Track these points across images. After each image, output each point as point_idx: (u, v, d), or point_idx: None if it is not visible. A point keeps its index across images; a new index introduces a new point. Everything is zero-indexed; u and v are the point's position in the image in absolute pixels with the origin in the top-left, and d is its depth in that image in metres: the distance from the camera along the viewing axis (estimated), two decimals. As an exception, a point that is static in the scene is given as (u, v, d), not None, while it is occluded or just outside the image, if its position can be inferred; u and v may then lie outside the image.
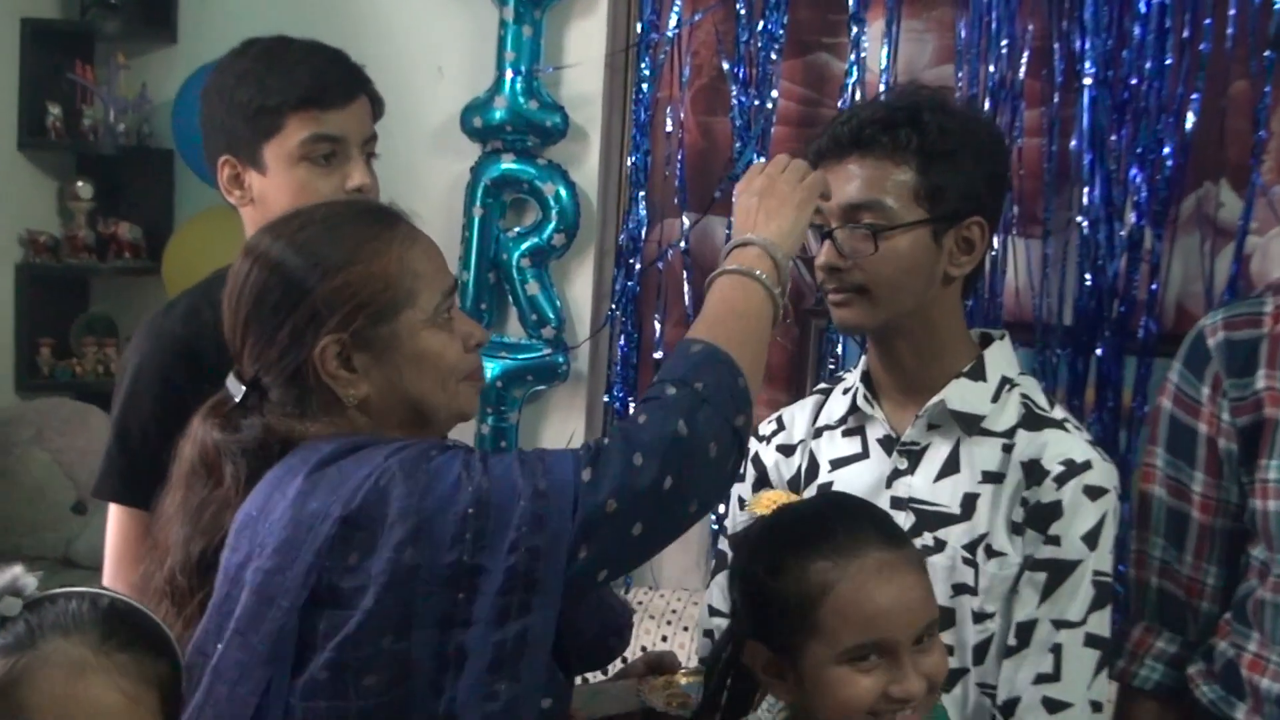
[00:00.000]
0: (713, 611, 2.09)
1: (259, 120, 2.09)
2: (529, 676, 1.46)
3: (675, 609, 3.14)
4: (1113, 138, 2.97)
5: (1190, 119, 2.92)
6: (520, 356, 3.48)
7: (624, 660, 2.03)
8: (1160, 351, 2.98)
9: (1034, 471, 1.88)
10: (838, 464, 2.00)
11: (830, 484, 1.99)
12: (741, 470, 2.10)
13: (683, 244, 3.41)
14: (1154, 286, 2.98)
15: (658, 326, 3.45)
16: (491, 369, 3.38)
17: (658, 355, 3.45)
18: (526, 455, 1.51)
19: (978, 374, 1.93)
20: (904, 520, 1.92)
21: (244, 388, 1.65)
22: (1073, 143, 3.01)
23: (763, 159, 3.23)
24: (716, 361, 1.56)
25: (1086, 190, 2.99)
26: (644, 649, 2.98)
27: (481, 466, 1.48)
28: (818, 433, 2.05)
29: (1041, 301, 3.07)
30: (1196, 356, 1.97)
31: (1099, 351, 3.01)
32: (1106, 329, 3.00)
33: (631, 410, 3.37)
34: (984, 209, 1.92)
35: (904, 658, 1.59)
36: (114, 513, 2.15)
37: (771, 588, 1.65)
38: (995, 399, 1.93)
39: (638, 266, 3.45)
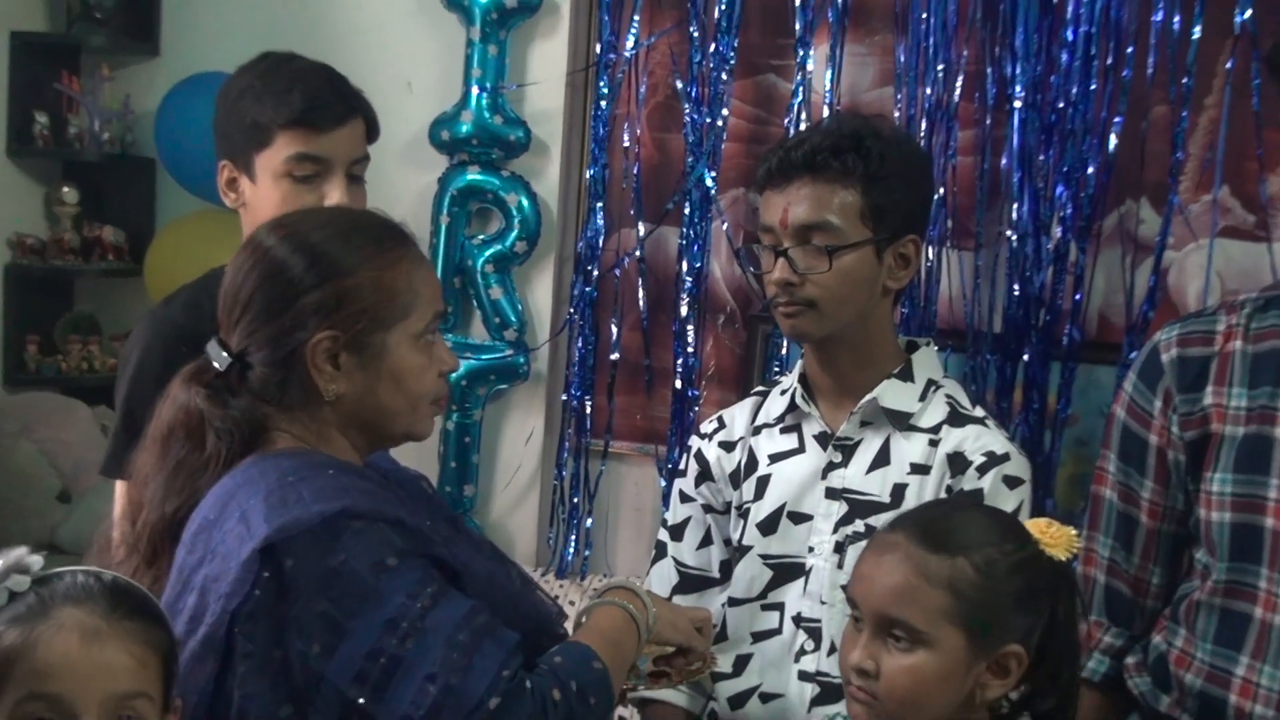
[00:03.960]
0: None
1: (253, 132, 2.11)
2: None
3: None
4: (1040, 157, 2.99)
5: (1113, 141, 2.94)
6: (484, 357, 3.49)
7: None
8: (1083, 358, 3.01)
9: (958, 462, 1.94)
10: (776, 458, 2.05)
11: (768, 476, 2.04)
12: (684, 465, 2.16)
13: (638, 252, 3.42)
14: (1078, 297, 3.00)
15: (614, 329, 3.46)
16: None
17: (614, 356, 3.46)
18: (473, 634, 1.50)
19: (906, 376, 2.00)
20: (837, 509, 1.98)
21: (228, 358, 1.64)
22: (1003, 161, 3.03)
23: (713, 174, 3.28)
24: (605, 685, 1.59)
25: (1015, 206, 3.01)
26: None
27: (420, 622, 1.47)
28: (756, 430, 2.09)
29: (973, 310, 3.09)
30: (1151, 370, 1.97)
31: (1026, 357, 3.03)
32: (1033, 336, 3.02)
33: (591, 415, 3.41)
34: (918, 227, 1.99)
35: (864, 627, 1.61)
36: (121, 489, 2.14)
37: None
38: (922, 398, 1.99)
39: (595, 273, 3.45)
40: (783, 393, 2.09)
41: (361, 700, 1.45)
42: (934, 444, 1.96)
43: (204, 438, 1.62)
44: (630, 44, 3.38)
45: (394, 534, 1.51)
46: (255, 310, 1.63)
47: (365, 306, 1.61)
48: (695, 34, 3.31)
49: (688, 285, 3.35)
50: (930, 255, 3.09)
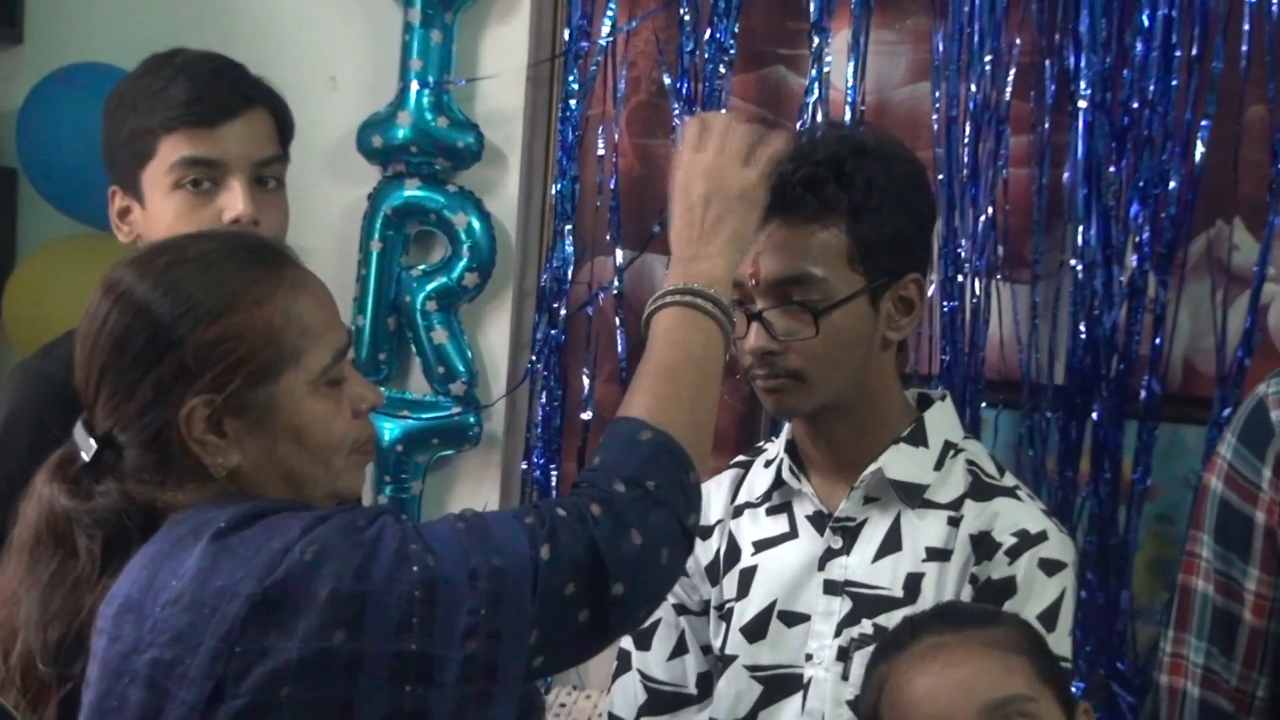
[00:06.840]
0: (611, 718, 2.18)
1: (134, 145, 2.18)
2: None
3: (602, 710, 3.22)
4: (1111, 169, 3.02)
5: (1199, 149, 2.98)
6: (424, 416, 3.50)
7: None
8: (1166, 415, 3.04)
9: (984, 545, 1.97)
10: (762, 545, 2.07)
11: (754, 568, 2.06)
12: None
13: (615, 286, 3.46)
14: (1158, 341, 3.03)
15: (585, 382, 3.48)
16: (390, 431, 3.42)
17: (585, 415, 3.48)
18: (468, 524, 1.57)
19: (918, 439, 2.02)
20: (839, 606, 2.00)
21: (95, 445, 1.65)
22: (1065, 174, 3.07)
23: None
24: (668, 454, 1.64)
25: (1081, 229, 3.04)
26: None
27: (421, 540, 1.52)
28: (738, 511, 2.12)
29: (1030, 357, 3.12)
30: (1256, 431, 2.00)
31: (1095, 415, 3.05)
32: (1104, 389, 3.04)
33: (556, 487, 3.44)
34: (918, 262, 2.02)
35: None
36: None
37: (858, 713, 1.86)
38: (938, 466, 2.01)
39: (563, 312, 3.48)
40: (767, 464, 2.11)
41: (414, 646, 1.49)
42: (954, 523, 1.99)
43: (75, 544, 1.64)
44: (606, 30, 3.42)
45: (351, 515, 1.59)
46: (111, 385, 1.65)
47: (240, 358, 1.62)
48: (686, 17, 3.35)
49: (677, 327, 3.38)
50: (977, 289, 3.12)
